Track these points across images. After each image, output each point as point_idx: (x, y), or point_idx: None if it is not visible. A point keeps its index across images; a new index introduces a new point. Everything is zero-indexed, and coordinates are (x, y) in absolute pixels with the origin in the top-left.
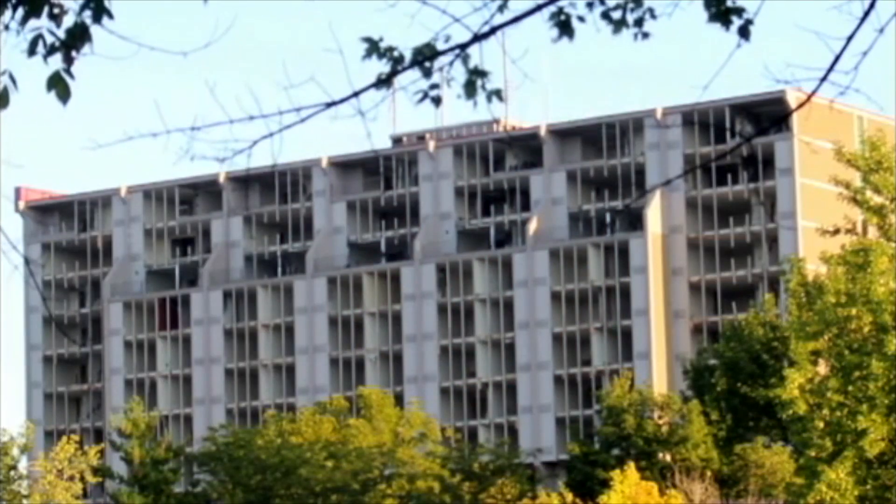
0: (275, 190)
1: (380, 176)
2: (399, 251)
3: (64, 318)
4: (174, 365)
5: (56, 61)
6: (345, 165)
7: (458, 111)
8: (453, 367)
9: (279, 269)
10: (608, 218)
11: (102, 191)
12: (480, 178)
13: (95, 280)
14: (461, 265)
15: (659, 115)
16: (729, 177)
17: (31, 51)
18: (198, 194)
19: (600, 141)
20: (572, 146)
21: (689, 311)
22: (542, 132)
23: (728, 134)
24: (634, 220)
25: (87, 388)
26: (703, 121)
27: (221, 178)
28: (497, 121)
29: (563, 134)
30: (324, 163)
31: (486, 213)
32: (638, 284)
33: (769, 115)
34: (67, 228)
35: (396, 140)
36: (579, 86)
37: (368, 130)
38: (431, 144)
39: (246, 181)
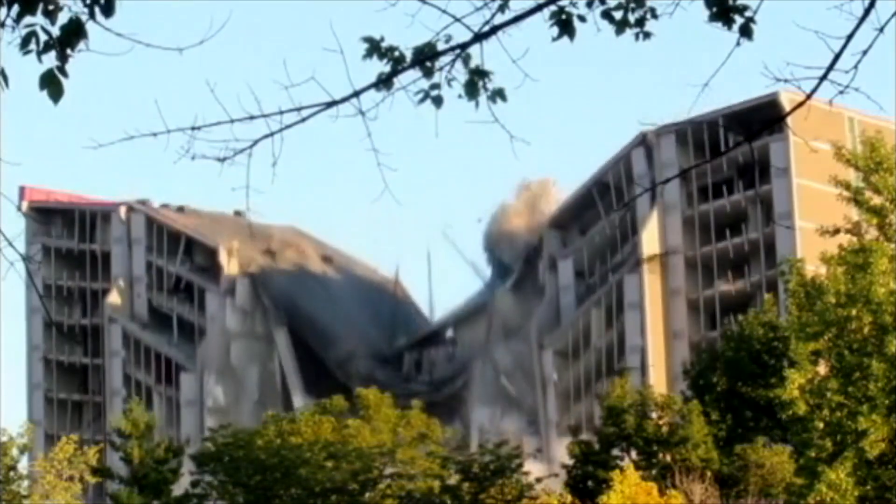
0: None
1: None
2: None
3: (64, 325)
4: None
5: (51, 59)
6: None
7: None
8: None
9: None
10: None
11: (103, 205)
12: None
13: (95, 291)
14: None
15: (651, 133)
16: (724, 188)
17: (24, 46)
18: None
19: None
20: None
21: (687, 330)
22: None
23: (722, 142)
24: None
25: (88, 399)
26: (697, 137)
27: None
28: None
29: None
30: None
31: None
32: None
33: (764, 121)
34: (69, 236)
35: None
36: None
37: (369, 130)
38: None
39: None
